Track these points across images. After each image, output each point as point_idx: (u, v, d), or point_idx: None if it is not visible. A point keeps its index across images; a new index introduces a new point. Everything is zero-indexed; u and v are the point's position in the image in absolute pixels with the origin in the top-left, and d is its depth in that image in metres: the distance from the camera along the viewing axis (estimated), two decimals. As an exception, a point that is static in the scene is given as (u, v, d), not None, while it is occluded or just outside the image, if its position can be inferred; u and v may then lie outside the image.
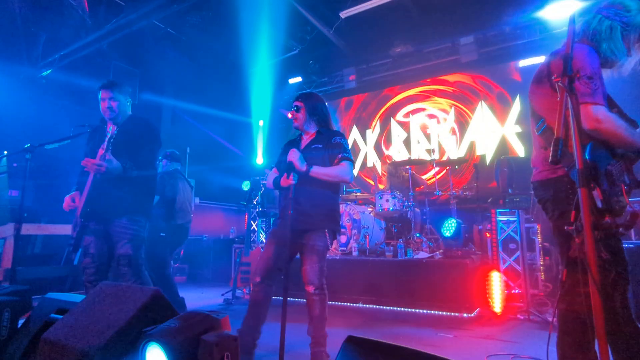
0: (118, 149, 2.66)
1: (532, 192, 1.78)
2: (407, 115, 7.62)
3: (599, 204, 1.24)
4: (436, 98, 7.35)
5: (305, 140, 2.77)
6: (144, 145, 2.74)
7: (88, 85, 5.39)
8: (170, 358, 1.45)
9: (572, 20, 1.31)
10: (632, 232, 3.80)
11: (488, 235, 4.36)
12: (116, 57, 6.32)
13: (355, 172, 8.04)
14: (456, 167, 6.64)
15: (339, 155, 2.59)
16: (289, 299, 4.68)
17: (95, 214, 2.60)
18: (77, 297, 2.12)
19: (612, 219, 1.27)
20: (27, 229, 5.12)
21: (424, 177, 6.84)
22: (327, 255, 4.97)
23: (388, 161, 6.36)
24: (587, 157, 1.36)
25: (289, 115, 2.81)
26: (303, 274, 2.54)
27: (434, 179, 5.66)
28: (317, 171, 2.51)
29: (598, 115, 1.42)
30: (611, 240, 1.39)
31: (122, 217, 2.63)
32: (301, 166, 2.47)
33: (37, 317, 2.14)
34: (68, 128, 3.44)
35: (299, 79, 8.28)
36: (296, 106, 2.72)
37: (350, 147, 7.42)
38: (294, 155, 2.49)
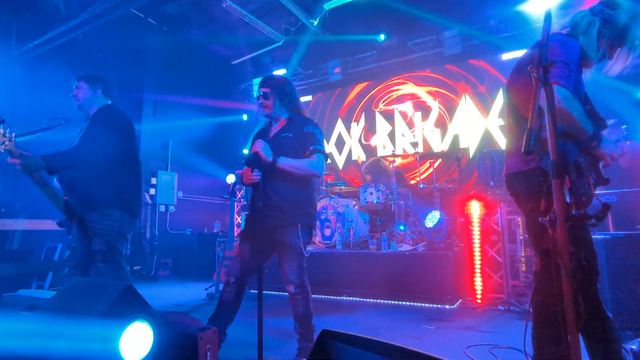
0: (82, 141, 2.63)
1: (505, 185, 1.77)
2: (391, 108, 7.62)
3: (567, 195, 1.26)
4: (420, 91, 7.36)
5: (275, 128, 2.57)
6: (96, 136, 2.58)
7: (65, 76, 5.23)
8: (156, 332, 1.43)
9: (548, 14, 1.31)
10: (610, 224, 3.88)
11: (470, 227, 4.40)
12: (95, 48, 6.15)
13: (341, 165, 8.03)
14: (440, 159, 6.68)
15: (310, 148, 2.42)
16: (275, 292, 4.68)
17: (70, 209, 2.57)
18: (48, 294, 2.06)
19: (582, 210, 1.28)
20: (3, 224, 4.98)
21: (408, 172, 6.87)
22: (311, 249, 4.95)
23: (371, 157, 6.36)
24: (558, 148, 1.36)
25: (257, 105, 2.59)
26: (282, 273, 2.42)
27: (417, 172, 5.68)
28: (285, 163, 2.34)
29: (559, 96, 1.42)
30: (576, 230, 1.40)
31: (92, 212, 2.54)
32: (267, 156, 2.31)
33: (8, 314, 2.07)
34: (44, 120, 3.34)
35: (283, 72, 8.19)
36: (263, 92, 2.50)
37: (335, 140, 7.42)
38: (258, 145, 2.33)
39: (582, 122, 1.50)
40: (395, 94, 7.64)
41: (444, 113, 7.06)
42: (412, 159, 5.67)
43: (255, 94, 2.60)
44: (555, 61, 1.36)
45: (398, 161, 6.50)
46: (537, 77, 1.17)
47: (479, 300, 4.13)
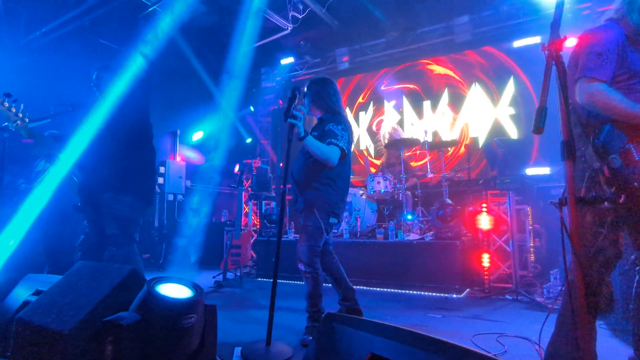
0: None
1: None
2: (400, 96, 7.53)
3: (604, 186, 1.25)
4: (430, 79, 7.25)
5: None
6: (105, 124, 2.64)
7: (73, 64, 5.24)
8: (190, 287, 1.47)
9: (560, 2, 1.25)
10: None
11: (478, 216, 4.35)
12: (101, 36, 6.15)
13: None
14: (449, 149, 6.60)
15: (327, 141, 2.59)
16: (288, 281, 4.71)
17: (85, 191, 2.63)
18: (55, 278, 2.08)
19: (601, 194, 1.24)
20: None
21: (416, 163, 6.81)
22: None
23: (384, 140, 6.27)
24: (600, 139, 1.43)
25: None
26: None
27: (425, 160, 5.62)
28: (311, 141, 2.51)
29: (590, 89, 1.47)
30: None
31: (105, 193, 2.57)
32: (299, 129, 2.45)
33: (15, 299, 2.10)
34: (52, 107, 3.36)
35: (291, 60, 8.12)
36: (303, 93, 2.75)
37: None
38: (298, 116, 2.45)
39: (627, 108, 1.48)
40: (404, 83, 7.54)
41: (454, 101, 6.96)
42: (420, 148, 5.60)
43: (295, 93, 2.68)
44: (586, 53, 1.48)
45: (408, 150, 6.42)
46: (548, 55, 1.13)
47: (486, 290, 4.10)
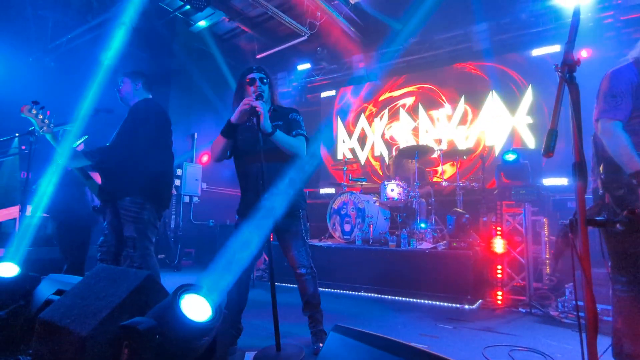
0: (119, 135, 2.76)
1: None
2: (415, 103, 7.52)
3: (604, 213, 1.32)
4: (447, 86, 7.22)
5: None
6: (133, 129, 2.72)
7: (96, 69, 5.40)
8: (213, 307, 1.50)
9: (577, 11, 1.27)
10: None
11: (493, 227, 4.31)
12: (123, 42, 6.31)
13: (363, 160, 7.99)
14: (464, 157, 6.55)
15: (294, 132, 2.47)
16: (284, 284, 4.71)
17: (105, 195, 2.73)
18: (76, 279, 2.15)
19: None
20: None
21: (431, 169, 6.77)
22: (330, 243, 4.97)
23: (394, 152, 6.29)
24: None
25: (251, 91, 2.51)
26: (290, 260, 2.53)
27: (439, 167, 5.59)
28: (281, 136, 2.35)
29: (609, 128, 1.71)
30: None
31: (124, 198, 2.65)
32: (266, 126, 2.27)
33: (37, 298, 2.18)
34: (74, 111, 3.47)
35: (307, 66, 8.20)
36: (260, 78, 2.52)
37: (357, 135, 7.38)
38: (262, 107, 2.28)
39: (619, 157, 1.68)
40: (420, 90, 7.53)
41: (471, 109, 6.91)
42: (435, 156, 5.58)
43: (254, 76, 2.56)
44: (603, 96, 1.72)
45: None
46: (561, 76, 1.14)
47: (499, 302, 4.05)
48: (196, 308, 1.48)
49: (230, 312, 2.43)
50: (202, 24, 7.22)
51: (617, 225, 1.15)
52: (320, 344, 2.48)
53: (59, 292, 2.03)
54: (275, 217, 2.35)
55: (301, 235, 2.53)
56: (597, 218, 1.13)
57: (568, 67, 1.11)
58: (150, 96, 2.96)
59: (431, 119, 7.27)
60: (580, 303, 3.43)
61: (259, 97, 2.41)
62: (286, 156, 2.43)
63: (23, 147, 4.84)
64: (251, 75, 2.54)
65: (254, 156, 2.34)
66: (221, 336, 1.50)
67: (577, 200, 1.09)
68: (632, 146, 1.67)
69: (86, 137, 3.52)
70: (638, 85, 1.75)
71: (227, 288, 2.33)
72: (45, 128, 2.61)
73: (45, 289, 2.17)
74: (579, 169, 1.10)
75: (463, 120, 6.95)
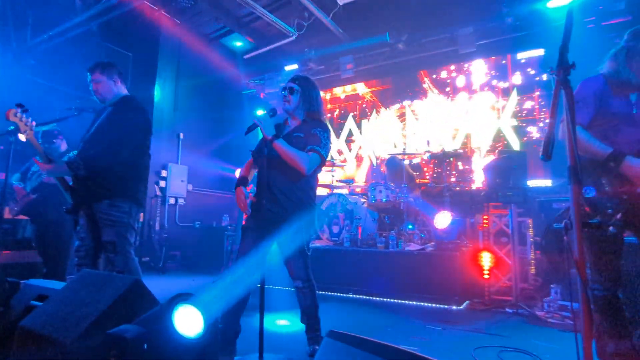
0: (95, 135, 2.66)
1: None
2: (402, 106, 7.56)
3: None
4: (433, 88, 7.28)
5: (291, 126, 2.60)
6: (111, 129, 2.61)
7: (78, 67, 5.27)
8: (205, 321, 1.44)
9: (570, 12, 1.28)
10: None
11: (480, 228, 4.35)
12: (108, 40, 6.19)
13: (350, 162, 7.99)
14: (451, 159, 6.61)
15: (309, 147, 2.41)
16: (278, 287, 4.68)
17: (80, 198, 2.60)
18: (58, 284, 2.08)
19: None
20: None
21: (418, 171, 6.81)
22: (319, 245, 4.96)
23: (387, 155, 6.30)
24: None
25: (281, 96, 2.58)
26: (289, 270, 2.49)
27: (426, 169, 5.63)
28: (280, 145, 2.31)
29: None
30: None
31: (101, 202, 2.56)
32: (268, 133, 2.30)
33: (17, 303, 2.10)
34: (58, 111, 3.37)
35: (295, 66, 8.16)
36: (290, 87, 2.54)
37: (345, 137, 7.34)
38: (260, 118, 2.29)
39: (589, 150, 1.83)
40: (407, 91, 7.58)
41: (457, 111, 6.98)
42: (422, 158, 5.61)
43: (282, 85, 2.56)
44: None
45: (407, 160, 6.44)
46: (557, 80, 1.14)
47: (486, 302, 4.09)
48: (189, 321, 1.42)
49: (231, 311, 2.40)
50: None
51: (610, 228, 1.16)
52: (316, 346, 2.45)
53: (40, 298, 1.96)
54: (276, 225, 2.35)
55: (301, 246, 2.45)
56: (590, 221, 1.13)
57: (563, 70, 1.11)
58: (127, 92, 2.85)
59: (419, 120, 7.32)
60: (566, 303, 3.48)
61: (272, 114, 2.43)
62: (286, 166, 2.39)
63: (1, 147, 4.68)
64: (283, 84, 2.60)
65: (261, 162, 2.37)
66: (211, 346, 1.46)
67: (573, 204, 1.09)
68: (594, 139, 1.85)
69: (53, 124, 3.36)
70: (602, 93, 1.94)
71: (227, 301, 2.29)
72: (28, 131, 2.51)
73: (25, 295, 2.09)
74: (573, 172, 1.11)
75: (449, 122, 7.01)
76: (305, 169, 2.36)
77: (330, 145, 2.56)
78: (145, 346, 1.24)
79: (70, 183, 2.66)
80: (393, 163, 6.02)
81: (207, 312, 1.47)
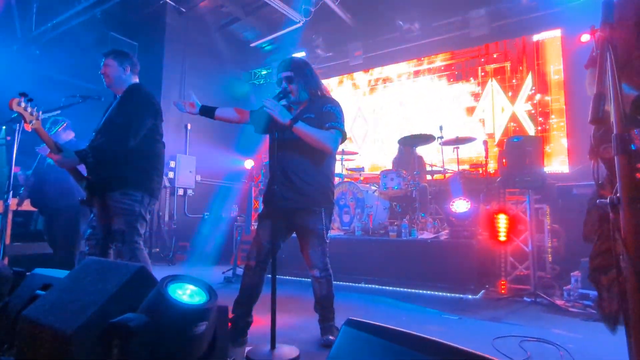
0: (107, 124, 2.62)
1: None
2: (415, 91, 7.39)
3: None
4: (445, 74, 7.09)
5: (297, 110, 2.51)
6: (120, 119, 2.55)
7: (83, 58, 5.20)
8: (204, 290, 1.39)
9: None
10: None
11: (496, 215, 4.21)
12: (112, 28, 6.10)
13: (362, 149, 7.86)
14: (464, 144, 6.45)
15: (327, 125, 2.31)
16: (292, 277, 4.62)
17: (93, 187, 2.57)
18: (64, 273, 2.02)
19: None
20: (25, 204, 5.05)
21: (430, 158, 6.66)
22: (330, 234, 4.88)
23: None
24: None
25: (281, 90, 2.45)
26: (306, 259, 2.42)
27: (441, 157, 5.49)
28: (302, 128, 2.22)
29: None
30: None
31: (115, 191, 2.51)
32: (284, 119, 2.19)
33: (22, 293, 2.05)
34: (61, 98, 3.31)
35: (302, 54, 8.01)
36: (287, 77, 2.42)
37: (355, 124, 7.17)
38: (270, 105, 2.19)
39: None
40: (419, 77, 7.40)
41: (470, 97, 6.79)
42: (435, 144, 5.47)
43: (276, 77, 2.47)
44: None
45: (421, 147, 6.28)
46: (599, 38, 1.02)
47: (503, 291, 3.98)
48: (187, 294, 1.37)
49: (243, 301, 2.38)
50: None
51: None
52: (330, 337, 2.40)
53: (45, 288, 1.90)
54: (293, 212, 2.33)
55: (319, 233, 2.38)
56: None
57: (609, 25, 0.99)
58: (138, 81, 2.79)
59: (431, 106, 7.15)
60: (587, 291, 3.32)
61: (283, 95, 2.38)
62: (304, 149, 2.32)
63: (8, 138, 4.65)
64: (280, 75, 2.48)
65: (272, 147, 2.29)
66: (221, 332, 1.38)
67: (620, 177, 0.98)
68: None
69: (65, 122, 3.33)
70: None
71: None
72: (34, 121, 2.43)
73: (31, 285, 2.03)
74: (619, 141, 0.99)
75: (462, 108, 6.83)
76: (331, 148, 2.31)
77: (343, 117, 2.47)
78: (151, 333, 1.16)
79: (85, 174, 2.62)
80: (403, 146, 5.86)
81: (199, 283, 1.42)
